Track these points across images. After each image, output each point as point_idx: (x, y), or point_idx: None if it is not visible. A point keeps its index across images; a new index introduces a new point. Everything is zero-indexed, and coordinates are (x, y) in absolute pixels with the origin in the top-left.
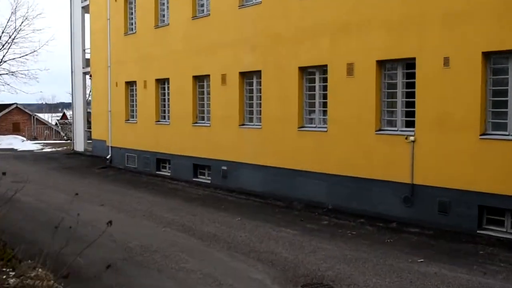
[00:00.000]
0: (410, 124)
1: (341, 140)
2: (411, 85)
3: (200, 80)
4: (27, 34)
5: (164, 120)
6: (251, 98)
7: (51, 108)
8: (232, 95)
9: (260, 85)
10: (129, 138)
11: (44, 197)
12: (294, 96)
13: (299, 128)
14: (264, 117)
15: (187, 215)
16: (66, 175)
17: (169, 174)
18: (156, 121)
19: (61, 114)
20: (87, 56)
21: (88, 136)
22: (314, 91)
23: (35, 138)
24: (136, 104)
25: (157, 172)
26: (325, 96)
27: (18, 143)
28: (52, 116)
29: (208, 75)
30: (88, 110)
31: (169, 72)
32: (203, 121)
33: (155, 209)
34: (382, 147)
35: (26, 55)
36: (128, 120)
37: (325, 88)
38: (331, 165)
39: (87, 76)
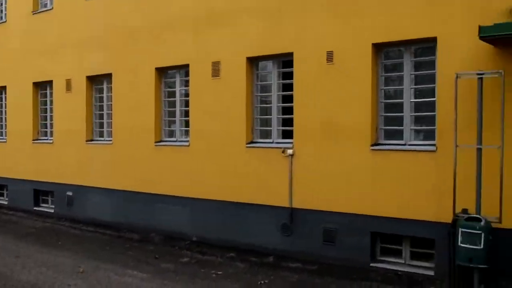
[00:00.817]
0: (288, 134)
1: (206, 156)
2: (288, 87)
3: (42, 87)
4: None
5: (1, 137)
6: (101, 108)
7: None
8: (78, 104)
9: (111, 92)
10: None
11: None
12: (150, 103)
13: (156, 143)
14: (115, 131)
15: (8, 257)
16: None
17: (6, 202)
18: None
19: None
20: None
21: None
22: (175, 97)
23: None
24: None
25: None
26: (187, 103)
27: None
28: None
29: (51, 81)
30: None
31: (6, 79)
32: (46, 137)
33: None
34: (255, 163)
35: None
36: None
37: (187, 93)
38: (195, 187)
39: None
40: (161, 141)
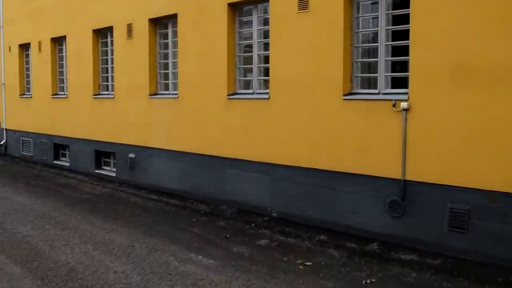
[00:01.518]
0: (400, 82)
1: (290, 112)
2: (401, 19)
3: (102, 35)
4: None
5: (62, 93)
6: (165, 56)
7: None
8: (141, 53)
9: (177, 37)
10: (24, 118)
11: None
12: (222, 48)
13: (229, 95)
14: (181, 82)
15: (54, 228)
16: None
17: (68, 164)
18: (53, 95)
19: None
20: None
21: None
22: (251, 39)
23: None
24: (31, 74)
25: (55, 162)
26: (267, 47)
27: None
28: None
29: (111, 27)
30: None
31: (66, 28)
32: (107, 92)
33: (11, 218)
34: (354, 119)
35: None
36: (23, 94)
37: (266, 34)
38: (276, 151)
39: None
40: (234, 93)
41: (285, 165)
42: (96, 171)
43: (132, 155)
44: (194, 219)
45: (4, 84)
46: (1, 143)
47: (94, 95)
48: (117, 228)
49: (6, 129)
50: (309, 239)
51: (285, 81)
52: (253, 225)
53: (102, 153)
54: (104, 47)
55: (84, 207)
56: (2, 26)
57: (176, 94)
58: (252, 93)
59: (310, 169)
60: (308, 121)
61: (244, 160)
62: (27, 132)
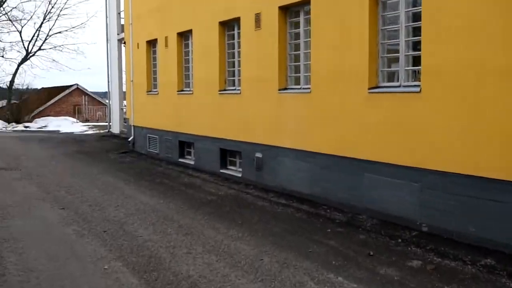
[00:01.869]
0: None
1: (447, 108)
2: None
3: (229, 27)
4: (74, 5)
5: (188, 89)
6: (296, 47)
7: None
8: (269, 44)
9: (309, 25)
10: (150, 115)
11: (11, 188)
12: (362, 35)
13: (370, 89)
14: (314, 75)
15: (177, 233)
16: (73, 162)
17: (192, 162)
18: (178, 91)
19: None
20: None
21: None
22: (398, 23)
23: (86, 120)
24: (158, 70)
25: (180, 160)
26: (417, 31)
27: (67, 125)
28: None
29: (239, 18)
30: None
31: (192, 22)
32: (233, 87)
33: (133, 219)
34: None
35: (74, 28)
36: (150, 91)
37: (416, 17)
38: (428, 153)
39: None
40: (376, 87)
41: (439, 171)
42: (221, 170)
43: (259, 155)
44: (329, 230)
45: (132, 81)
46: (129, 139)
47: (220, 90)
48: (244, 237)
49: (134, 126)
50: (473, 263)
51: (441, 72)
52: (399, 240)
53: (228, 151)
54: (230, 40)
55: (208, 210)
56: (131, 23)
57: (308, 88)
58: (398, 86)
59: (471, 177)
60: (469, 119)
61: (387, 164)
62: (154, 129)
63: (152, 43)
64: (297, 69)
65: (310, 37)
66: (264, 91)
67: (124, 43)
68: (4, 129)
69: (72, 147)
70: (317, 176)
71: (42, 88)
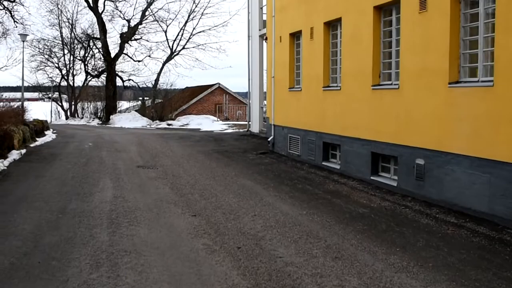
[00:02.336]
0: None
1: None
2: None
3: (385, 12)
4: (218, 3)
5: (334, 85)
6: (473, 31)
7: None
8: (438, 27)
9: (494, 2)
10: (292, 113)
11: (145, 189)
12: None
13: None
14: (499, 63)
15: (324, 255)
16: (209, 161)
17: (338, 167)
18: (324, 87)
19: None
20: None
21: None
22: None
23: (226, 119)
24: (301, 65)
25: (323, 163)
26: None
27: (207, 123)
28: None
29: (398, 1)
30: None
31: (342, 8)
32: (389, 82)
33: (272, 233)
34: None
35: (216, 26)
36: (292, 87)
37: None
38: None
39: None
40: None
41: None
42: (372, 177)
43: (420, 161)
44: None
45: (274, 77)
46: (269, 139)
47: (374, 85)
48: (409, 267)
49: (274, 125)
50: None
51: None
52: None
53: (380, 156)
54: (387, 27)
55: (360, 227)
56: (274, 16)
57: (490, 81)
58: None
59: None
60: None
61: None
62: (295, 129)
63: (295, 36)
64: (473, 58)
65: (493, 18)
66: (429, 85)
67: (266, 39)
68: (148, 126)
69: (210, 146)
70: (500, 191)
71: (186, 87)
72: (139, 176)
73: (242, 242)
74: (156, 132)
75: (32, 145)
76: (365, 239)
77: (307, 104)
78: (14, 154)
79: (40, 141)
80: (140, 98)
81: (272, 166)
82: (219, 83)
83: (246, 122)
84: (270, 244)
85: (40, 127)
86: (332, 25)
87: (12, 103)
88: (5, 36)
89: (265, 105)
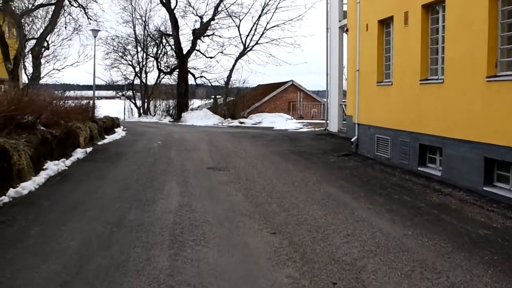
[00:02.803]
0: None
1: None
2: None
3: None
4: None
5: (434, 77)
6: None
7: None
8: None
9: None
10: (380, 110)
11: (215, 196)
12: None
13: None
14: None
15: None
16: (286, 164)
17: (438, 174)
18: (421, 80)
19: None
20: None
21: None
22: None
23: (300, 117)
24: (391, 55)
25: (419, 169)
26: None
27: (280, 121)
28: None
29: None
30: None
31: None
32: (509, 73)
33: (373, 262)
34: None
35: (291, 20)
36: (381, 82)
37: None
38: None
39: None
40: None
41: None
42: (485, 188)
43: None
44: None
45: (358, 70)
46: (352, 140)
47: (488, 77)
48: None
49: (358, 124)
50: None
51: None
52: None
53: (496, 162)
54: (506, 6)
55: (489, 257)
56: (359, 2)
57: None
58: None
59: None
60: None
61: None
62: (384, 128)
63: (385, 23)
64: None
65: None
66: None
67: (347, 30)
68: (220, 124)
69: (285, 146)
70: None
71: (258, 85)
72: (209, 180)
73: (337, 275)
74: (228, 131)
75: (100, 143)
76: (500, 277)
77: (399, 100)
78: (79, 153)
79: (108, 138)
80: (213, 96)
81: (358, 171)
82: (292, 80)
83: (322, 121)
84: (375, 279)
85: (110, 124)
86: (432, 8)
87: (83, 101)
88: (78, 32)
89: (344, 102)
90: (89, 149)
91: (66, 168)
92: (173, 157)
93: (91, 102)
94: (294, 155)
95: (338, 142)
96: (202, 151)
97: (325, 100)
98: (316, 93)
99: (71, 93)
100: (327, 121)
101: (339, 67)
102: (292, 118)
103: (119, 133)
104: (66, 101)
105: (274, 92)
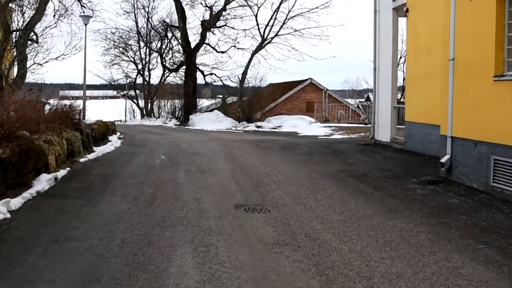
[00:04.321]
0: None
1: None
2: None
3: None
4: None
5: None
6: None
7: (355, 94)
8: None
9: None
10: (501, 119)
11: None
12: None
13: None
14: None
15: None
16: (349, 197)
17: None
18: None
19: (364, 99)
20: None
21: (400, 117)
22: None
23: (326, 120)
24: None
25: None
26: None
27: (303, 125)
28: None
29: None
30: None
31: None
32: None
33: None
34: None
35: (317, 8)
36: (502, 75)
37: None
38: None
39: (400, 17)
40: None
41: None
42: None
43: None
44: None
45: (453, 59)
46: (443, 160)
47: None
48: None
49: (453, 137)
50: None
51: None
52: None
53: None
54: None
55: None
56: None
57: None
58: None
59: None
60: None
61: None
62: (504, 146)
63: None
64: None
65: None
66: None
67: (407, 11)
68: (234, 128)
69: (332, 163)
70: None
71: (270, 84)
72: (245, 238)
73: None
74: (246, 138)
75: (83, 160)
76: None
77: None
78: (43, 182)
79: (97, 151)
80: (221, 96)
81: (479, 217)
82: (311, 78)
83: (355, 125)
84: None
85: (102, 131)
86: None
87: (66, 102)
88: (62, 17)
89: (401, 103)
90: (62, 173)
91: (9, 217)
92: (182, 185)
93: (79, 102)
94: (355, 181)
95: (402, 158)
96: (221, 173)
97: (348, 100)
98: (337, 93)
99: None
100: (375, 127)
101: (392, 59)
102: (316, 121)
103: (113, 142)
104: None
105: (291, 91)
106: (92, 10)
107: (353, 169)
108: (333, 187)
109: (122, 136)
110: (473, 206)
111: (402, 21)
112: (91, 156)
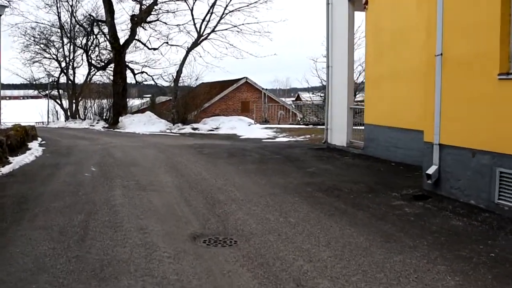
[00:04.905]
0: None
1: None
2: None
3: None
4: None
5: None
6: None
7: (284, 93)
8: None
9: None
10: (504, 126)
11: None
12: None
13: None
14: None
15: None
16: (328, 220)
17: None
18: None
19: (293, 99)
20: None
21: (357, 120)
22: None
23: (265, 121)
24: None
25: None
26: None
27: (243, 127)
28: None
29: None
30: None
31: None
32: None
33: None
34: None
35: (256, 2)
36: (509, 73)
37: None
38: None
39: (356, 11)
40: None
41: None
42: None
43: None
44: None
45: (442, 55)
46: (429, 172)
47: None
48: None
49: (441, 144)
50: None
51: None
52: None
53: None
54: None
55: None
56: None
57: None
58: None
59: None
60: None
61: None
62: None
63: None
64: None
65: None
66: None
67: (366, 3)
68: (168, 131)
69: (292, 174)
70: None
71: (202, 83)
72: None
73: None
74: (185, 142)
75: None
76: None
77: None
78: None
79: (14, 163)
80: (149, 96)
81: (501, 247)
82: (246, 77)
83: (297, 126)
84: None
85: (20, 137)
86: None
87: None
88: None
89: (358, 103)
90: None
91: None
92: (121, 208)
93: None
94: (327, 197)
95: (366, 165)
96: (167, 189)
97: (283, 100)
98: (272, 92)
99: None
100: (329, 129)
101: (348, 56)
102: (255, 122)
103: (33, 151)
104: None
105: (225, 91)
106: (8, 1)
107: (320, 181)
108: (304, 206)
109: (44, 142)
110: (483, 230)
111: (359, 15)
112: (5, 169)
